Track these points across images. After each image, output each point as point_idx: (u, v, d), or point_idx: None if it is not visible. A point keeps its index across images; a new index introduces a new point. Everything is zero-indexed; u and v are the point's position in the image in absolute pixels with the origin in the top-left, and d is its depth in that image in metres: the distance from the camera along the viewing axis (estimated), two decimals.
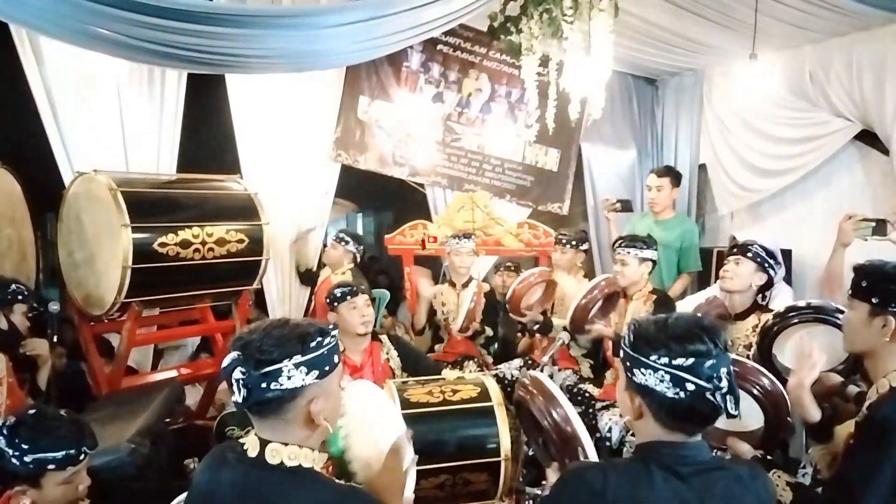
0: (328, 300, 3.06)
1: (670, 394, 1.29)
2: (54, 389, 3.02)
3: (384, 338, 3.19)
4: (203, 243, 3.37)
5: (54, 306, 3.05)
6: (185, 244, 3.30)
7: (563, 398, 1.95)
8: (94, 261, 3.32)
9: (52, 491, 1.80)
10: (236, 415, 3.11)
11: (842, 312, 2.16)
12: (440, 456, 2.37)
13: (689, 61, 4.88)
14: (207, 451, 1.53)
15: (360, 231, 9.01)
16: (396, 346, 3.17)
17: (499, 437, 2.44)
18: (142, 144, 4.05)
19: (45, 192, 3.85)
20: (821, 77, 4.06)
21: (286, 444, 1.38)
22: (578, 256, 3.96)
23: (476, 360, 3.95)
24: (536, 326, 3.67)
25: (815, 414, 1.93)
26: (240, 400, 1.34)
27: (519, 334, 4.22)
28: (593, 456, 1.80)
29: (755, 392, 1.99)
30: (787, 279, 3.87)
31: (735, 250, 2.91)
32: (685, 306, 3.27)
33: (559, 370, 3.65)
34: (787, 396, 2.00)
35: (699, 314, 2.39)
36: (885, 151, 3.82)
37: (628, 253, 3.26)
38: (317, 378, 1.36)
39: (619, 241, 3.35)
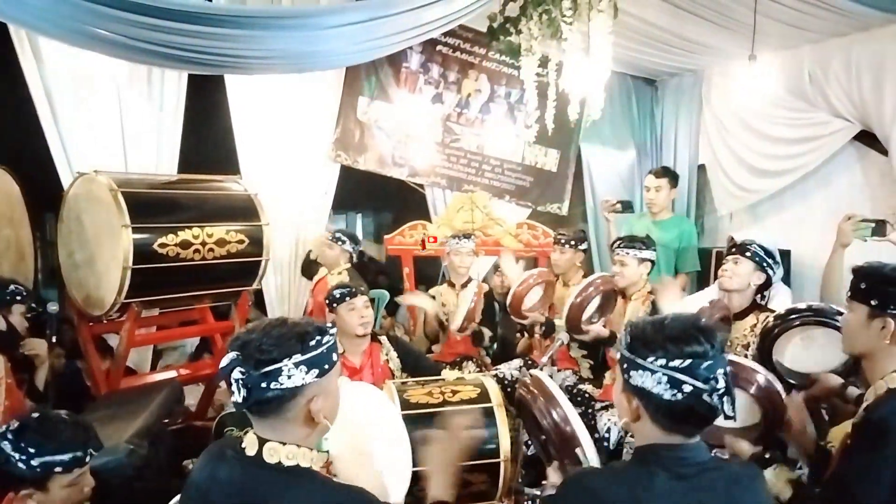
0: (327, 301, 3.06)
1: (667, 396, 1.29)
2: (52, 390, 3.03)
3: (383, 339, 3.18)
4: (203, 244, 3.37)
5: (53, 307, 3.05)
6: (185, 245, 3.30)
7: (563, 398, 1.95)
8: (94, 261, 3.32)
9: (58, 493, 1.80)
10: (235, 415, 3.10)
11: (841, 314, 2.16)
12: None
13: (688, 62, 4.89)
14: (206, 448, 1.53)
15: (359, 231, 9.01)
16: (396, 347, 3.16)
17: (498, 437, 2.44)
18: (141, 145, 4.05)
19: (44, 192, 3.86)
20: (819, 77, 4.07)
21: (284, 444, 1.38)
22: (577, 256, 3.96)
23: (475, 360, 3.95)
24: (543, 329, 3.65)
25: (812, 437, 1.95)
26: (239, 400, 1.33)
27: (518, 335, 4.22)
28: (593, 456, 1.80)
29: (751, 391, 1.99)
30: (786, 280, 3.88)
31: (734, 250, 2.91)
32: (684, 306, 3.26)
33: (558, 370, 3.64)
34: (782, 394, 2.00)
35: (698, 315, 2.40)
36: (884, 152, 3.82)
37: (627, 253, 3.26)
38: (316, 377, 1.36)
39: (618, 242, 3.35)
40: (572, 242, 3.90)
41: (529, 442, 2.76)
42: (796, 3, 3.55)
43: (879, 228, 2.71)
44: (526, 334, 4.01)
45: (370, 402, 2.09)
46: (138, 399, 3.15)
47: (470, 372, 3.55)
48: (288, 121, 4.50)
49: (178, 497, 1.65)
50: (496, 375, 3.34)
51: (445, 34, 4.58)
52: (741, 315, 2.85)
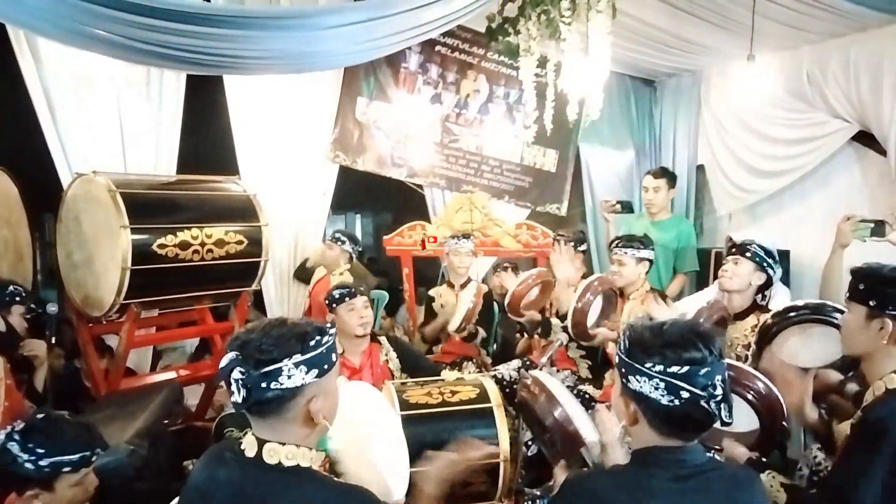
0: (327, 301, 3.07)
1: (665, 401, 1.29)
2: (51, 391, 3.02)
3: (383, 339, 3.18)
4: (202, 244, 3.36)
5: (52, 307, 3.04)
6: (184, 245, 3.30)
7: (564, 397, 1.95)
8: (92, 262, 3.31)
9: (64, 493, 1.82)
10: (235, 416, 3.10)
11: (840, 312, 2.17)
12: None
13: (686, 62, 4.89)
14: (206, 451, 1.53)
15: (358, 232, 9.02)
16: (395, 348, 3.16)
17: (498, 438, 2.44)
18: (140, 145, 4.05)
19: (43, 193, 3.86)
20: (818, 78, 4.07)
21: (283, 444, 1.38)
22: (577, 257, 3.96)
23: (475, 360, 3.96)
24: (539, 330, 3.66)
25: (813, 415, 1.94)
26: (239, 400, 1.33)
27: (518, 335, 4.22)
28: (596, 453, 1.80)
29: (749, 397, 1.99)
30: (786, 280, 3.88)
31: (734, 250, 2.91)
32: (683, 306, 3.27)
33: (557, 371, 3.64)
34: (782, 401, 2.00)
35: (696, 319, 2.41)
36: (883, 152, 3.82)
37: (625, 253, 3.27)
38: (316, 377, 1.37)
39: (616, 242, 3.36)
40: (572, 243, 3.89)
41: (530, 442, 2.76)
42: (794, 3, 3.56)
43: (878, 229, 2.71)
44: (525, 335, 4.02)
45: (370, 401, 2.09)
46: (138, 400, 3.15)
47: (470, 372, 3.56)
48: (287, 121, 4.50)
49: (177, 499, 1.65)
50: (495, 376, 3.34)
51: (444, 34, 4.59)
52: (742, 315, 2.85)
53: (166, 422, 3.38)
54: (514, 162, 5.23)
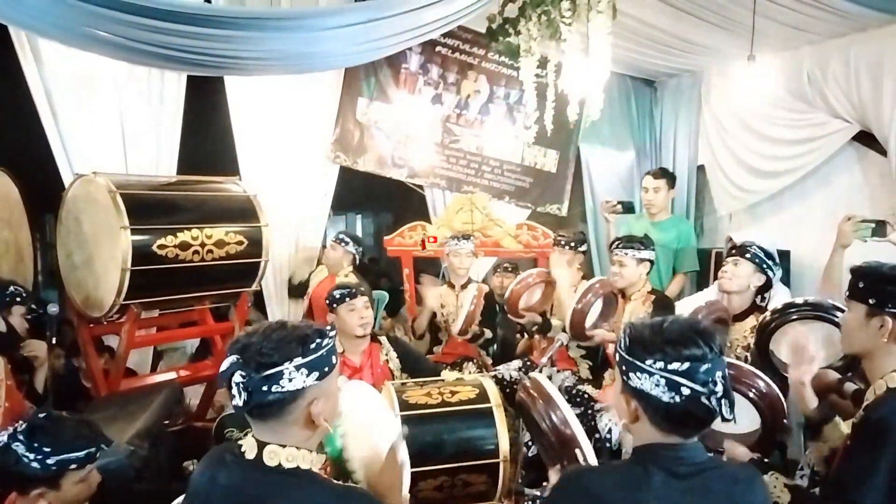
0: (327, 301, 3.07)
1: (665, 398, 1.29)
2: (52, 391, 3.02)
3: (383, 339, 3.18)
4: (202, 245, 3.36)
5: (53, 308, 3.04)
6: (184, 246, 3.30)
7: (561, 400, 1.95)
8: (93, 263, 3.32)
9: (70, 490, 1.83)
10: (235, 416, 3.10)
11: (839, 310, 2.17)
12: (439, 457, 2.37)
13: (687, 63, 4.89)
14: (206, 453, 1.53)
15: (359, 232, 9.01)
16: (396, 348, 3.17)
17: (497, 438, 2.44)
18: (141, 146, 4.06)
19: (44, 193, 3.86)
20: (818, 78, 4.07)
21: (284, 446, 1.38)
22: (577, 258, 3.96)
23: (475, 361, 3.96)
24: (535, 328, 3.67)
25: (814, 404, 1.94)
26: (240, 403, 1.34)
27: (518, 335, 4.22)
28: (592, 458, 1.80)
29: (751, 395, 1.99)
30: (786, 280, 3.87)
31: (734, 251, 2.91)
32: (683, 307, 3.27)
33: (558, 371, 3.65)
34: (783, 399, 2.00)
35: (696, 318, 2.40)
36: (883, 152, 3.82)
37: (626, 254, 3.26)
38: (317, 379, 1.37)
39: (617, 242, 3.35)
40: (572, 244, 3.90)
41: (529, 443, 2.76)
42: (795, 4, 3.56)
43: (879, 229, 2.72)
44: (525, 335, 4.02)
45: (370, 400, 2.10)
46: (138, 400, 3.15)
47: (470, 373, 3.56)
48: (287, 122, 4.50)
49: (178, 499, 1.65)
50: (495, 376, 3.34)
51: (445, 35, 4.59)
52: (741, 316, 2.85)
53: (166, 422, 3.39)
54: (514, 162, 5.23)
